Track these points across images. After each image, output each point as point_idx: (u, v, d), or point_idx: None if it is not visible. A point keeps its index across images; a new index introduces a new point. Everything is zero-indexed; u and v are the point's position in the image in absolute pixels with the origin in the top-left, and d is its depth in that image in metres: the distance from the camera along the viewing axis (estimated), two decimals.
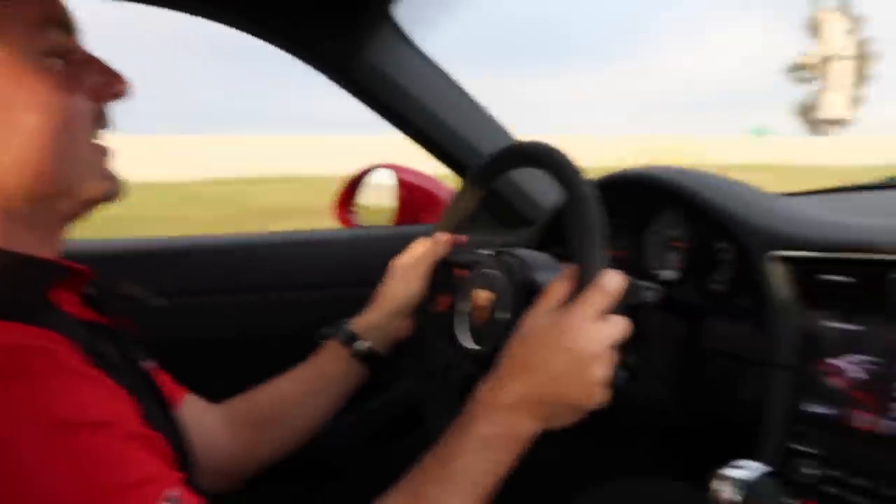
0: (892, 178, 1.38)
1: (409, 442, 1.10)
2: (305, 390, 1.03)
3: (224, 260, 1.42)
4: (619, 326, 0.76)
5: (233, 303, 1.39)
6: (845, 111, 55.01)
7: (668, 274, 1.18)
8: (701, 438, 0.83)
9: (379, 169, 1.67)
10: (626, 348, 0.83)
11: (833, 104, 55.00)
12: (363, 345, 1.04)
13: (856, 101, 55.86)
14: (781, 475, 0.87)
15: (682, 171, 1.13)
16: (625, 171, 1.22)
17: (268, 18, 1.21)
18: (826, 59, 53.24)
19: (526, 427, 0.71)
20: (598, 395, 0.74)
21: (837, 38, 52.47)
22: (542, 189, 1.53)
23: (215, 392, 1.03)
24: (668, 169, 1.15)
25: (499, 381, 0.73)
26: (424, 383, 1.08)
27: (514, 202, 1.52)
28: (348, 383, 1.05)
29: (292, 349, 1.07)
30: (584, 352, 0.71)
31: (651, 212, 1.21)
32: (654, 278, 1.20)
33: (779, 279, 0.93)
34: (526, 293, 0.86)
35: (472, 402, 0.74)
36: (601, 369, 0.73)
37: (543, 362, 0.71)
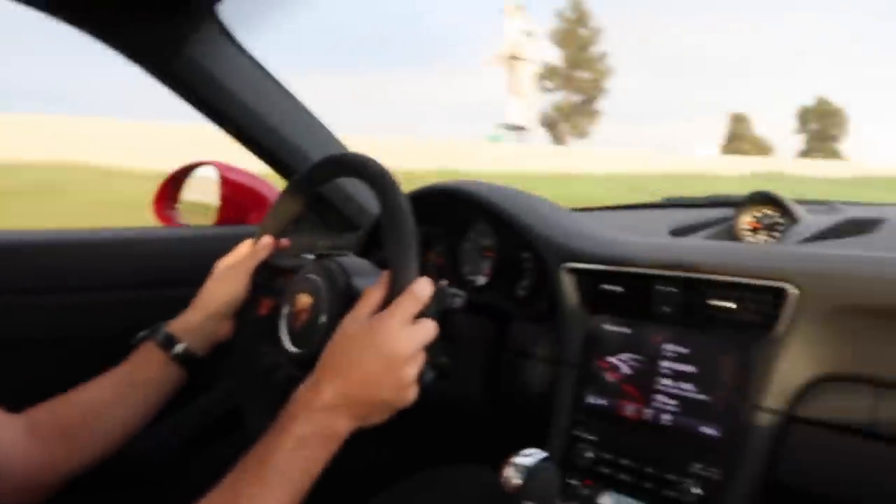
0: (668, 199, 1.61)
1: (229, 444, 1.10)
2: (117, 395, 0.99)
3: (30, 257, 1.32)
4: (428, 330, 0.82)
5: (42, 304, 1.30)
6: (524, 118, 51.60)
7: (480, 280, 1.29)
8: (505, 429, 0.93)
9: (204, 165, 1.63)
10: (436, 350, 0.91)
11: (514, 109, 51.32)
12: (180, 347, 1.02)
13: (592, 115, 55.93)
14: (566, 459, 1.00)
15: (488, 186, 1.24)
16: (439, 184, 1.30)
17: (79, 3, 1.15)
18: (510, 59, 49.83)
19: (341, 426, 0.75)
20: (409, 394, 0.80)
21: (517, 37, 49.00)
22: (369, 195, 1.58)
23: (21, 399, 0.96)
24: (479, 184, 1.25)
25: (315, 383, 0.76)
26: (245, 385, 1.09)
27: (341, 207, 1.56)
28: (165, 387, 1.02)
29: (106, 353, 1.03)
30: (395, 354, 0.76)
31: (466, 222, 1.32)
32: (468, 283, 1.30)
33: (569, 288, 1.06)
34: (344, 298, 0.90)
35: (290, 402, 0.78)
36: (411, 370, 0.78)
37: (358, 364, 0.75)
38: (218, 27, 1.25)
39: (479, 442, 0.83)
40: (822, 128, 58.98)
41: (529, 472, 0.76)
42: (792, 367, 0.84)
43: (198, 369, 1.05)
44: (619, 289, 1.01)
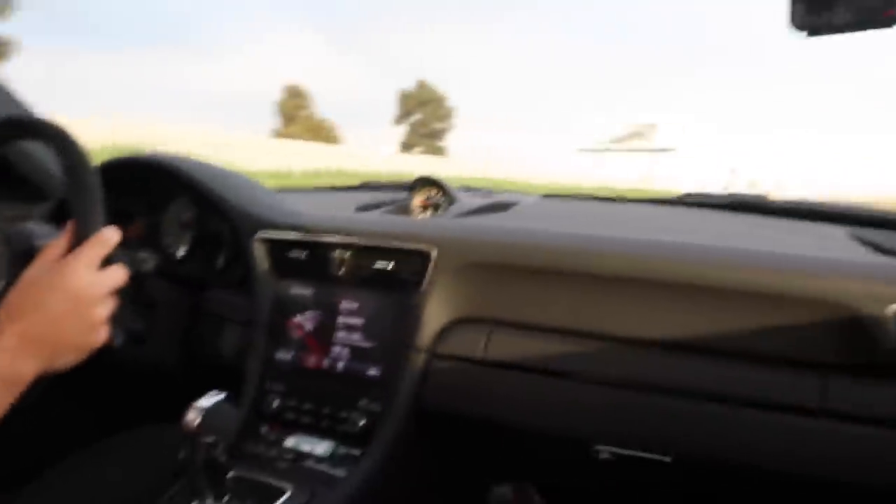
0: (364, 182, 1.80)
1: None
2: None
3: None
4: (117, 274, 0.81)
5: None
6: None
7: (181, 251, 1.33)
8: (202, 389, 0.99)
9: None
10: (130, 315, 0.94)
11: None
12: None
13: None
14: (257, 409, 1.11)
15: (188, 161, 1.29)
16: (137, 155, 1.31)
17: None
18: None
19: (27, 367, 0.71)
20: (98, 335, 0.77)
21: None
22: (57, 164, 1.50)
23: None
24: (176, 157, 1.29)
25: None
26: None
27: (31, 177, 1.46)
28: None
29: None
30: (82, 293, 0.74)
31: (168, 196, 1.35)
32: (170, 256, 1.34)
33: (261, 256, 1.16)
34: (23, 259, 0.88)
35: None
36: (101, 311, 0.77)
37: (42, 304, 0.72)
38: None
39: (178, 403, 0.89)
40: (424, 117, 50.71)
41: (207, 411, 0.85)
42: (434, 313, 1.05)
43: None
44: (304, 255, 1.14)
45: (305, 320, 1.12)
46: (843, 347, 0.87)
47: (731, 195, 1.45)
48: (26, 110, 1.46)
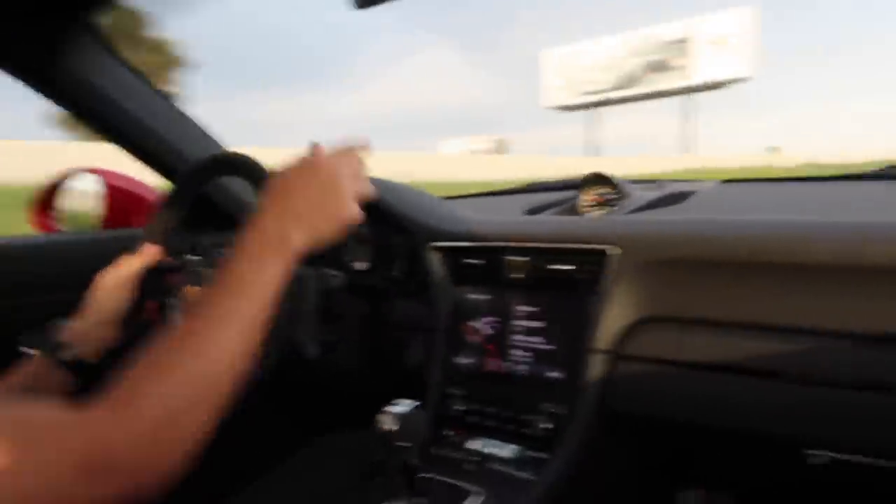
0: (529, 184, 1.79)
1: None
2: None
3: None
4: (356, 161, 0.85)
5: None
6: None
7: (360, 265, 1.41)
8: (388, 395, 1.03)
9: (81, 173, 1.64)
10: (322, 327, 1.01)
11: None
12: (69, 353, 1.01)
13: None
14: (440, 413, 1.14)
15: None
16: None
17: None
18: None
19: (293, 236, 0.76)
20: (352, 209, 0.82)
21: None
22: (249, 192, 1.64)
23: None
24: None
25: (261, 207, 0.78)
26: None
27: (222, 205, 1.62)
28: (52, 393, 0.99)
29: None
30: (333, 172, 0.80)
31: None
32: (349, 269, 1.41)
33: (436, 264, 1.20)
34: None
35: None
36: (350, 186, 0.82)
37: (303, 186, 0.79)
38: (94, 37, 1.29)
39: (367, 408, 0.94)
40: None
41: (401, 418, 0.88)
42: (616, 313, 1.01)
43: (88, 376, 1.07)
44: (478, 261, 1.16)
45: (483, 325, 1.14)
46: None
47: None
48: (218, 145, 1.62)
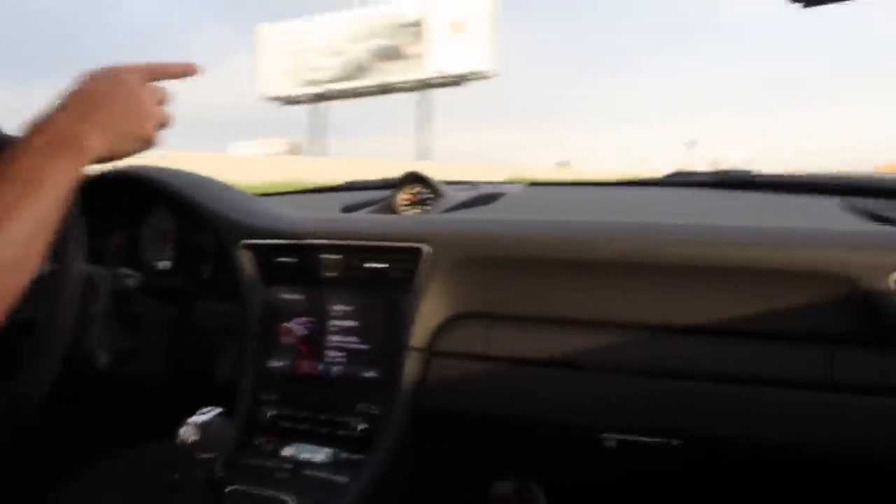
0: (348, 182, 1.77)
1: None
2: None
3: None
4: (160, 90, 0.82)
5: None
6: None
7: (163, 264, 1.30)
8: (196, 403, 0.97)
9: None
10: (115, 333, 0.91)
11: None
12: None
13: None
14: (251, 420, 1.08)
15: (164, 171, 1.25)
16: (117, 168, 1.28)
17: None
18: None
19: (90, 138, 0.72)
20: (151, 130, 0.79)
21: None
22: None
23: None
24: (152, 168, 1.25)
25: (59, 105, 0.72)
26: None
27: None
28: None
29: None
30: (137, 89, 0.77)
31: (145, 208, 1.31)
32: (151, 269, 1.30)
33: (247, 263, 1.13)
34: None
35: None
36: (152, 108, 0.79)
37: (104, 93, 0.75)
38: None
39: (173, 419, 0.87)
40: None
41: (203, 426, 0.82)
42: (430, 311, 1.03)
43: None
44: (291, 260, 1.12)
45: (297, 326, 1.10)
46: (846, 319, 0.85)
47: (717, 172, 1.43)
48: None
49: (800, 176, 1.41)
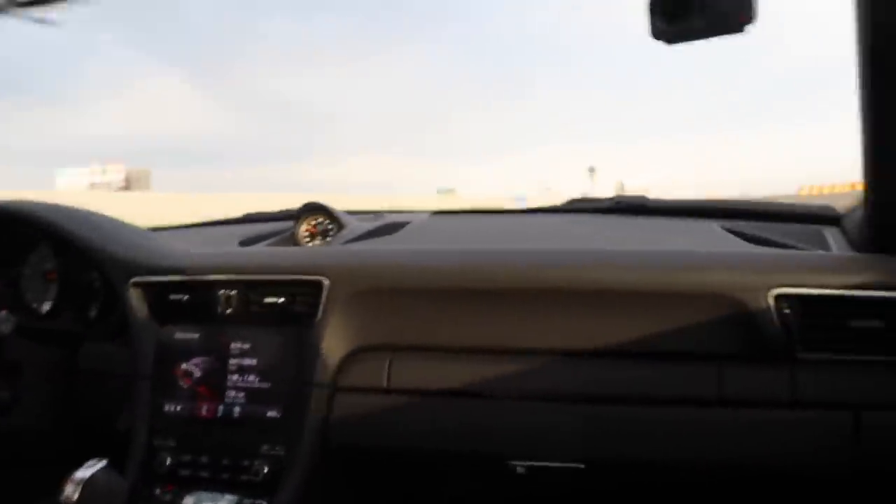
0: (246, 215, 1.72)
1: None
2: None
3: None
4: None
5: None
6: None
7: (46, 305, 1.21)
8: (83, 454, 0.90)
9: None
10: None
11: None
12: None
13: None
14: (147, 470, 1.02)
15: (44, 205, 1.18)
16: None
17: None
18: None
19: None
20: None
21: None
22: None
23: None
24: (30, 203, 1.17)
25: None
26: None
27: None
28: None
29: None
30: None
31: (27, 246, 1.23)
32: (34, 312, 1.21)
33: (138, 302, 1.08)
34: None
35: None
36: None
37: None
38: None
39: (57, 474, 0.80)
40: None
41: (86, 483, 0.77)
42: (332, 345, 1.01)
43: None
44: (186, 297, 1.07)
45: (194, 367, 1.04)
46: (732, 337, 0.90)
47: (613, 198, 1.49)
48: None
49: (687, 201, 1.50)
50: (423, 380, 0.98)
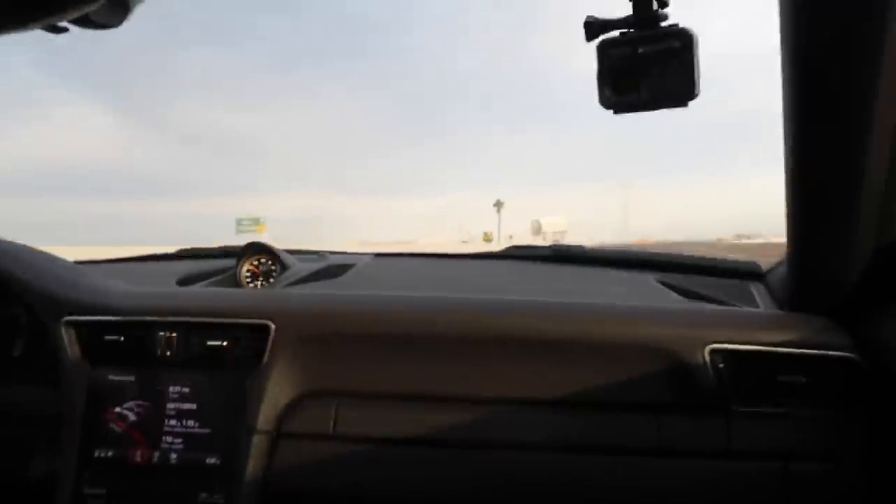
0: (181, 250, 1.67)
1: None
2: None
3: None
4: None
5: None
6: None
7: None
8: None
9: None
10: None
11: None
12: None
13: None
14: None
15: None
16: None
17: None
18: None
19: None
20: None
21: None
22: None
23: None
24: None
25: None
26: None
27: None
28: None
29: None
30: None
31: None
32: None
33: (69, 342, 1.03)
34: None
35: None
36: None
37: None
38: None
39: None
40: None
41: None
42: (276, 390, 0.99)
43: None
44: (122, 338, 1.03)
45: (128, 411, 1.01)
46: (670, 389, 0.94)
47: (552, 247, 1.54)
48: None
49: (622, 252, 1.56)
50: (368, 426, 0.98)
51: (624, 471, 0.92)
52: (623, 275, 1.35)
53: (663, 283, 1.24)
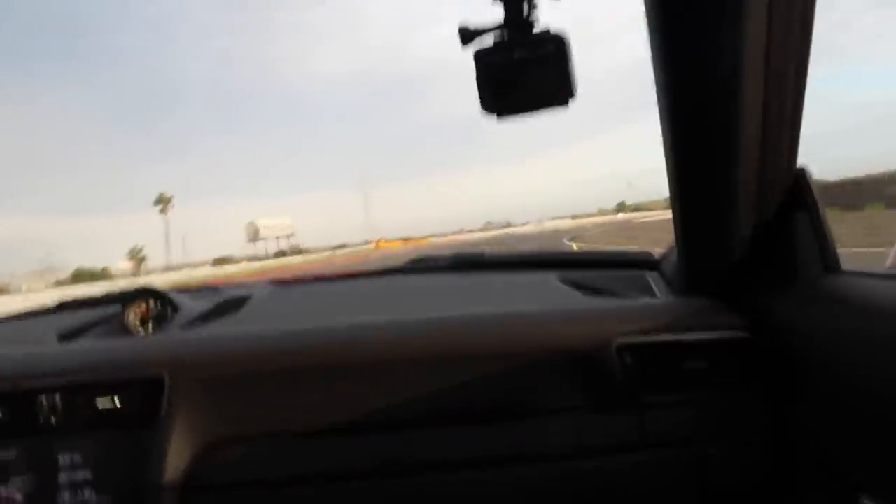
0: (59, 302, 1.54)
1: None
2: None
3: None
4: None
5: None
6: None
7: None
8: None
9: None
10: None
11: None
12: None
13: None
14: None
15: None
16: None
17: None
18: None
19: None
20: None
21: None
22: None
23: None
24: None
25: None
26: None
27: None
28: None
29: None
30: None
31: None
32: None
33: None
34: None
35: None
36: None
37: None
38: None
39: None
40: None
41: None
42: (181, 443, 0.93)
43: None
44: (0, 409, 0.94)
45: (15, 490, 0.91)
46: (583, 389, 0.95)
47: (453, 256, 1.53)
48: None
49: (522, 254, 1.57)
50: (283, 468, 0.93)
51: (548, 477, 0.93)
52: (526, 277, 1.37)
53: (565, 282, 1.26)
